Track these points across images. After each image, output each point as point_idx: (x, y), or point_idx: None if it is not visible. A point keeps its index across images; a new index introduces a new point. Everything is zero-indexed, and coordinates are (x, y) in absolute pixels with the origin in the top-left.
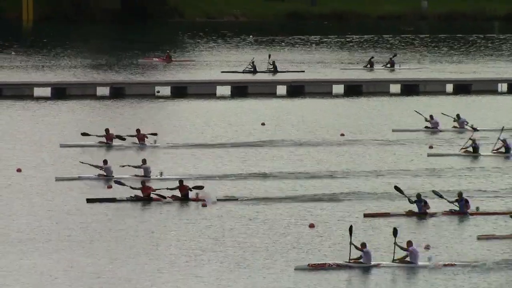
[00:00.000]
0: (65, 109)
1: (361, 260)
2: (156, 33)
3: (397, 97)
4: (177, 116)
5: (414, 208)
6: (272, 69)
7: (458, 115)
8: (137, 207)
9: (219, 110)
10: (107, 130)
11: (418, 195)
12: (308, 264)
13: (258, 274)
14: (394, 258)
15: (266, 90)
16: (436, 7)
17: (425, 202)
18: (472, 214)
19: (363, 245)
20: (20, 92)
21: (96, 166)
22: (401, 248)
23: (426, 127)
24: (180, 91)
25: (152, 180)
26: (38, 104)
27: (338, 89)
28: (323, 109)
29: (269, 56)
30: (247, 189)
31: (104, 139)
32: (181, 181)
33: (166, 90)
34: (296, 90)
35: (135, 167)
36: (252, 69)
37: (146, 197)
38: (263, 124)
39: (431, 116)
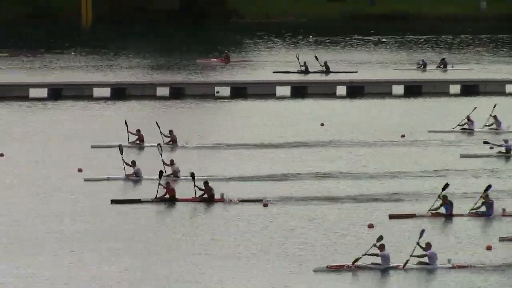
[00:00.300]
0: (125, 109)
1: (379, 262)
2: (214, 33)
3: (456, 98)
4: (236, 116)
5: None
6: (324, 70)
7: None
8: (175, 208)
9: (279, 110)
10: (138, 131)
11: (444, 196)
12: (327, 266)
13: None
14: (412, 255)
15: (325, 91)
16: (494, 8)
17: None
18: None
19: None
20: (80, 92)
21: (126, 164)
22: (421, 247)
23: (462, 128)
24: (240, 91)
25: (181, 180)
26: (98, 104)
27: (398, 89)
28: (383, 110)
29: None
30: (305, 190)
31: (134, 138)
32: (206, 182)
33: (225, 91)
34: (356, 90)
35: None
36: (304, 70)
37: (170, 198)
38: (322, 124)
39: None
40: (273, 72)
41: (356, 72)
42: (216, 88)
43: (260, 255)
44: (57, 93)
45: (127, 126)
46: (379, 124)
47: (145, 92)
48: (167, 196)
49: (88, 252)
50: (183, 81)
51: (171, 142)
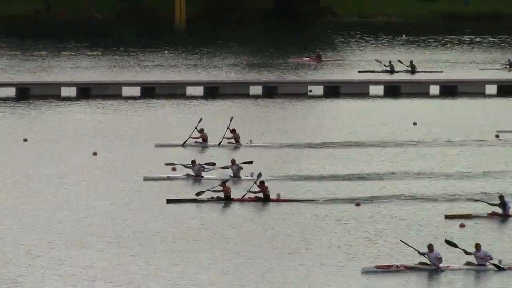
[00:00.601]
0: (217, 108)
1: (429, 262)
2: (308, 32)
3: None
4: (328, 115)
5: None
6: (410, 70)
7: None
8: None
9: (371, 109)
10: (201, 130)
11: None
12: (375, 266)
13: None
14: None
15: (418, 90)
16: None
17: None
18: None
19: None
20: (173, 91)
21: (186, 166)
22: (466, 252)
23: None
24: (333, 90)
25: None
26: (189, 102)
27: (491, 89)
28: (476, 109)
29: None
30: (398, 189)
31: (200, 139)
32: (262, 182)
33: (318, 90)
34: (449, 90)
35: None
36: (390, 69)
37: (226, 198)
38: (415, 123)
39: None
40: (358, 72)
41: (442, 72)
42: (309, 87)
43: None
44: (150, 91)
45: (198, 124)
46: (472, 123)
47: (238, 91)
48: (222, 195)
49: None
50: (276, 80)
51: (234, 141)
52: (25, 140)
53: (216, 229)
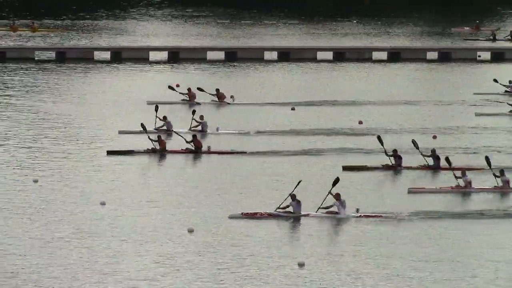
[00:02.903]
0: (399, 71)
1: (291, 210)
2: (474, 4)
3: None
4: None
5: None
6: None
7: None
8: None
9: None
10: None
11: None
12: (241, 213)
13: None
14: (321, 207)
15: None
16: None
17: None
18: (444, 169)
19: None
20: (361, 56)
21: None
22: (332, 195)
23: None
24: (499, 56)
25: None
26: (374, 65)
27: None
28: None
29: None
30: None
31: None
32: (194, 136)
33: (485, 55)
34: None
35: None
36: None
37: (162, 150)
38: None
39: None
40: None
41: None
42: (478, 53)
43: None
44: (341, 56)
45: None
46: None
47: (416, 56)
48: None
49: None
50: (451, 46)
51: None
52: (232, 96)
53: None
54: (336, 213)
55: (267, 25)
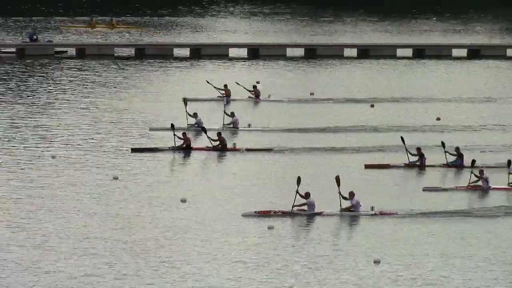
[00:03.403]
0: (479, 68)
1: (305, 208)
2: None
3: None
4: None
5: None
6: None
7: None
8: None
9: None
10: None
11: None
12: (255, 211)
13: None
14: (341, 208)
15: None
16: None
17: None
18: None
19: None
20: (439, 53)
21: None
22: (344, 198)
23: None
24: None
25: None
26: (454, 63)
27: None
28: None
29: None
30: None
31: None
32: (219, 133)
33: None
34: None
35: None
36: None
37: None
38: None
39: None
40: None
41: None
42: None
43: None
44: (420, 53)
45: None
46: None
47: (496, 53)
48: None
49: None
50: None
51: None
52: (312, 93)
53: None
54: (352, 210)
55: (346, 22)
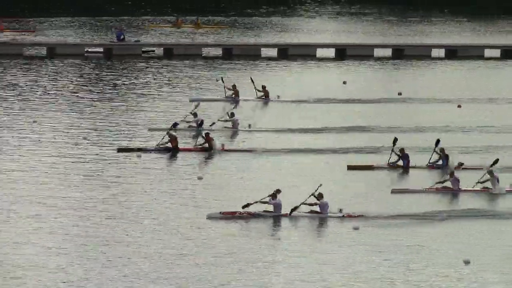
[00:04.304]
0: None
1: (272, 209)
2: None
3: None
4: None
5: None
6: None
7: None
8: None
9: None
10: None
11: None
12: (220, 212)
13: None
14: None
15: None
16: None
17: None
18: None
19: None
20: None
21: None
22: (315, 196)
23: None
24: None
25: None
26: None
27: None
28: None
29: None
30: None
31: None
32: (207, 134)
33: None
34: None
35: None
36: None
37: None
38: None
39: None
40: None
41: None
42: None
43: None
44: (508, 54)
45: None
46: None
47: None
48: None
49: None
50: None
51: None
52: (400, 93)
53: None
54: (319, 212)
55: (434, 22)
